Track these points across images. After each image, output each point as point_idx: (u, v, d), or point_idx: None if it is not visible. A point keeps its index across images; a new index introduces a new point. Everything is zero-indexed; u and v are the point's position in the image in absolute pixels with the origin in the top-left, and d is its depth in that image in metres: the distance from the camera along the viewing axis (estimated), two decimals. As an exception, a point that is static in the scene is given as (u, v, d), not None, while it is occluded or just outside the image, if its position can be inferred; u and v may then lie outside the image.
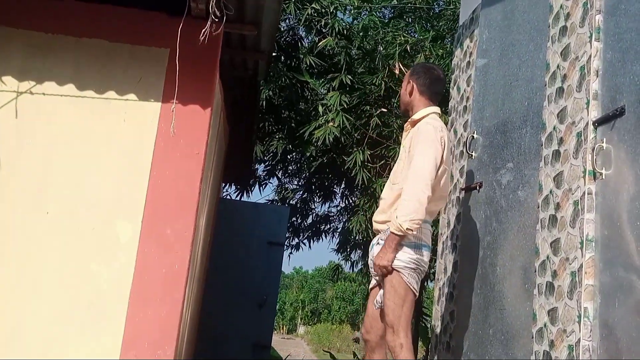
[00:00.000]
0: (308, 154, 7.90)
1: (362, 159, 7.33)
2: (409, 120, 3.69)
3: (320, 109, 7.56)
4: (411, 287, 3.36)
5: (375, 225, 3.64)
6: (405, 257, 3.37)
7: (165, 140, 3.42)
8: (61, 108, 3.48)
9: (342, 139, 7.43)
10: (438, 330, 4.67)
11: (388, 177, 3.75)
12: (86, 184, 3.39)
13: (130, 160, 3.42)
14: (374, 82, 7.54)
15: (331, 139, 7.23)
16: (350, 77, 7.55)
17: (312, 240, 10.35)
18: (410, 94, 3.69)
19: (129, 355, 3.17)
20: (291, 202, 10.07)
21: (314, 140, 7.44)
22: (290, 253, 10.38)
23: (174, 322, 3.26)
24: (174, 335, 3.24)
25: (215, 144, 4.34)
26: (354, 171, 7.45)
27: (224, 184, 8.76)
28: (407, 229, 3.27)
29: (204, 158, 3.44)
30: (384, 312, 3.43)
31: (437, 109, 3.67)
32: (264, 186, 10.02)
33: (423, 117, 3.59)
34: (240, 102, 5.34)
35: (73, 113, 3.48)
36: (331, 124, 7.25)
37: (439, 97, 3.74)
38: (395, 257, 3.35)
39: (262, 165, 9.89)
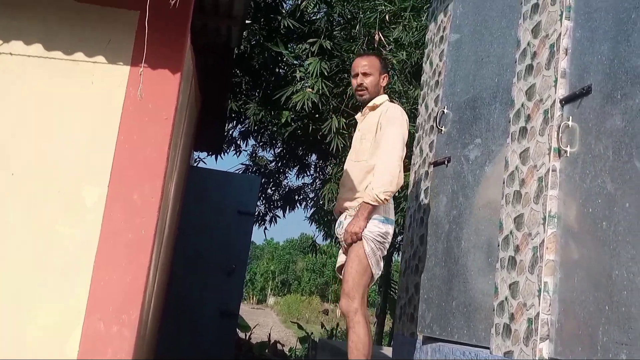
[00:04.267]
0: (283, 120, 7.85)
1: (337, 125, 7.38)
2: (369, 105, 3.87)
3: (298, 74, 7.55)
4: (369, 259, 3.55)
5: (346, 204, 3.78)
6: (374, 229, 3.57)
7: (133, 105, 3.37)
8: (28, 68, 3.41)
9: (320, 105, 7.44)
10: (403, 301, 4.73)
11: None
12: (52, 146, 3.34)
13: (98, 123, 3.37)
14: (352, 49, 7.54)
15: (309, 105, 7.25)
16: (330, 42, 7.55)
17: (285, 210, 10.37)
18: (382, 87, 3.93)
19: (93, 318, 3.16)
20: (265, 170, 10.05)
21: (290, 105, 7.45)
22: (265, 228, 10.40)
23: (139, 287, 3.25)
24: (139, 300, 3.23)
25: (185, 110, 4.31)
26: (328, 137, 7.49)
27: (195, 152, 8.72)
28: (383, 199, 3.52)
29: (172, 123, 3.40)
30: (342, 278, 3.64)
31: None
32: (238, 153, 10.01)
33: (382, 102, 3.84)
34: (213, 69, 5.28)
35: (40, 74, 3.41)
36: (309, 89, 7.26)
37: None
38: (366, 226, 3.55)
39: (239, 126, 9.84)
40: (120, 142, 3.36)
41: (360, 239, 3.55)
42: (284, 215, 10.43)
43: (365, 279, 3.57)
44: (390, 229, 3.66)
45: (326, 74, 7.40)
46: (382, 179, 3.54)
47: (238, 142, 10.02)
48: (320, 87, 7.27)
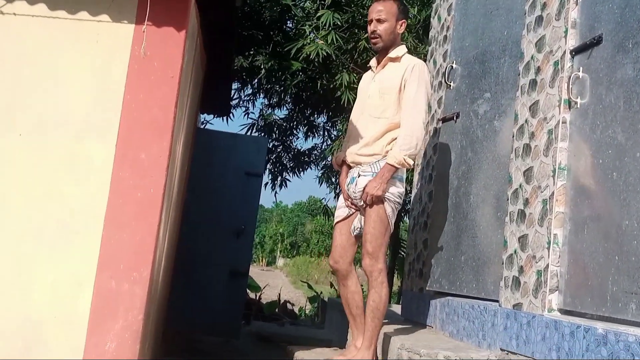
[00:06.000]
0: (294, 68, 7.80)
1: (348, 79, 7.36)
2: (389, 56, 3.76)
3: (308, 29, 7.50)
4: (390, 219, 3.58)
5: (358, 158, 3.71)
6: (395, 190, 3.59)
7: (138, 63, 3.35)
8: (32, 28, 3.40)
9: (334, 55, 7.41)
10: (411, 258, 4.75)
11: None
12: (58, 106, 3.33)
13: (103, 82, 3.36)
14: (364, 3, 7.50)
15: (324, 54, 7.21)
16: None
17: (299, 172, 10.37)
18: (400, 34, 3.80)
19: (105, 276, 3.19)
20: (274, 126, 10.00)
21: (301, 57, 7.42)
22: (276, 192, 10.42)
23: (149, 244, 3.27)
24: (150, 258, 3.26)
25: (191, 70, 4.28)
26: (339, 91, 7.48)
27: (201, 114, 8.69)
28: (408, 163, 3.52)
29: (178, 82, 3.39)
30: (363, 238, 3.60)
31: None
32: (246, 115, 9.99)
33: (403, 55, 3.75)
34: (219, 29, 5.22)
35: (44, 34, 3.39)
36: (321, 41, 7.23)
37: None
38: (388, 188, 3.55)
39: (247, 85, 9.79)
40: (127, 102, 3.35)
41: (382, 202, 3.54)
42: (298, 176, 10.42)
43: (387, 239, 3.60)
44: (403, 186, 3.68)
45: (339, 23, 7.36)
46: (409, 142, 3.52)
47: (246, 102, 9.99)
48: (334, 39, 7.23)
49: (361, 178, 3.63)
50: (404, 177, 3.68)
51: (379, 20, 3.73)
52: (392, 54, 3.74)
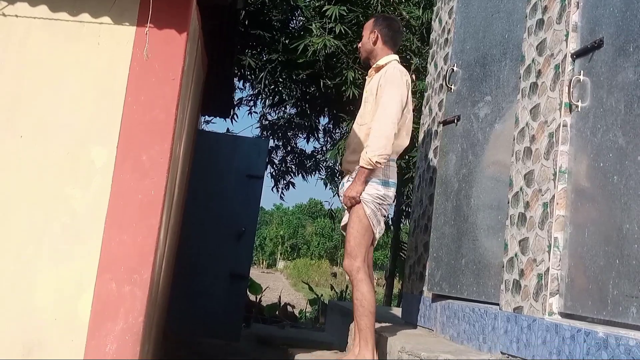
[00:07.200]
0: (301, 61, 7.87)
1: (353, 76, 7.48)
2: (374, 66, 3.92)
3: (315, 26, 7.60)
4: (371, 220, 3.64)
5: (347, 166, 3.86)
6: (373, 191, 3.65)
7: (140, 65, 3.36)
8: (34, 30, 3.40)
9: (342, 46, 7.52)
10: (412, 261, 4.75)
11: None
12: (60, 108, 3.34)
13: (105, 84, 3.36)
14: (370, 2, 7.60)
15: (332, 47, 7.31)
16: None
17: (306, 175, 10.43)
18: (375, 43, 3.92)
19: (105, 279, 3.19)
20: (284, 125, 10.04)
21: (309, 54, 7.52)
22: (282, 197, 10.45)
23: (150, 247, 3.27)
24: (151, 260, 3.26)
25: (192, 72, 4.28)
26: (344, 86, 7.58)
27: (203, 116, 8.70)
28: (376, 162, 3.55)
29: (180, 84, 3.39)
30: (345, 239, 3.73)
31: (397, 57, 3.96)
32: (250, 114, 10.07)
33: (388, 63, 3.85)
34: (220, 32, 5.23)
35: (46, 35, 3.40)
36: (328, 36, 7.36)
37: (397, 47, 4.08)
38: (363, 189, 3.62)
39: (252, 84, 9.83)
40: (128, 103, 3.36)
41: (359, 202, 3.62)
42: (304, 179, 10.51)
43: (366, 239, 3.66)
44: (390, 191, 3.71)
45: (345, 13, 7.45)
46: (378, 142, 3.56)
47: (249, 102, 10.04)
48: (342, 30, 7.34)
49: (347, 183, 3.76)
50: (389, 180, 3.71)
51: (361, 37, 4.02)
52: (375, 64, 3.90)
